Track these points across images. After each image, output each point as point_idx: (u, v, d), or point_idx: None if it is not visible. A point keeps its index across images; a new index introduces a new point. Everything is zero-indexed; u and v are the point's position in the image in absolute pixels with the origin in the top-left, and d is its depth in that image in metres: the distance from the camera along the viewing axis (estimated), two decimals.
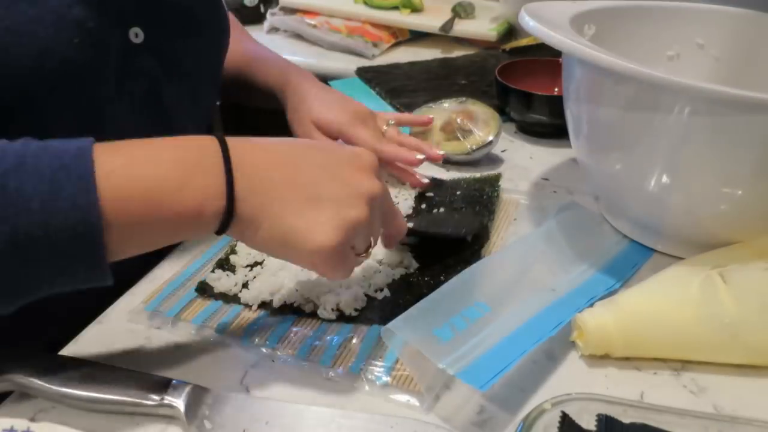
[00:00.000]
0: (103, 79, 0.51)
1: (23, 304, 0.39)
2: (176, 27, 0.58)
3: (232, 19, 0.79)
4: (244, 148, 0.43)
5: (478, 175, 0.70)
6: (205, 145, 0.42)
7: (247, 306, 0.52)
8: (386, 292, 0.53)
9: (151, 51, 0.56)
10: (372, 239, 0.48)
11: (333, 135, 0.68)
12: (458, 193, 0.66)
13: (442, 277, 0.54)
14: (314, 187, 0.43)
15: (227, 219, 0.41)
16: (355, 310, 0.51)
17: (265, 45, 0.81)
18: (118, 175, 0.38)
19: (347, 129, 0.67)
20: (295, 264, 0.46)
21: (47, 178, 0.36)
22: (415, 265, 0.56)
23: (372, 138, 0.67)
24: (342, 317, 0.50)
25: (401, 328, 0.44)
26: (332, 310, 0.50)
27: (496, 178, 0.69)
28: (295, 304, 0.51)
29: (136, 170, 0.40)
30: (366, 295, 0.52)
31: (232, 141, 0.43)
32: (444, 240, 0.57)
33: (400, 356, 0.46)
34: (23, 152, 0.37)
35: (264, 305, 0.52)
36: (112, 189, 0.38)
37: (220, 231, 0.42)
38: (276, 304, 0.51)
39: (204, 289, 0.53)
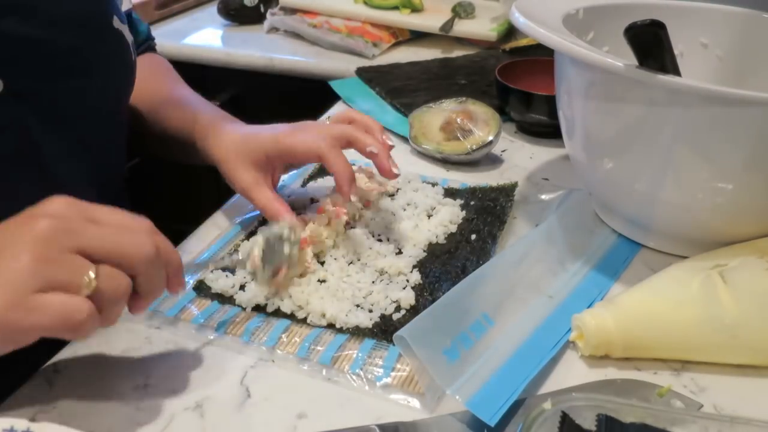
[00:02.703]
0: None
1: None
2: (51, 69, 0.51)
3: (161, 63, 0.75)
4: None
5: (494, 183, 0.68)
6: None
7: (242, 308, 0.52)
8: (387, 310, 0.51)
9: (18, 98, 0.49)
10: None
11: (312, 160, 0.59)
12: (472, 203, 0.65)
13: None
14: None
15: None
16: (347, 324, 0.49)
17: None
18: None
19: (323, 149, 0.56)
20: None
21: None
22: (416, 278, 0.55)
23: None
24: (332, 327, 0.50)
25: (414, 339, 0.44)
26: (322, 316, 0.50)
27: (512, 188, 0.67)
28: (288, 312, 0.51)
29: None
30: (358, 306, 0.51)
31: None
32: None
33: (405, 355, 0.46)
34: None
35: (258, 308, 0.51)
36: None
37: None
38: (269, 309, 0.51)
39: (201, 288, 0.53)
